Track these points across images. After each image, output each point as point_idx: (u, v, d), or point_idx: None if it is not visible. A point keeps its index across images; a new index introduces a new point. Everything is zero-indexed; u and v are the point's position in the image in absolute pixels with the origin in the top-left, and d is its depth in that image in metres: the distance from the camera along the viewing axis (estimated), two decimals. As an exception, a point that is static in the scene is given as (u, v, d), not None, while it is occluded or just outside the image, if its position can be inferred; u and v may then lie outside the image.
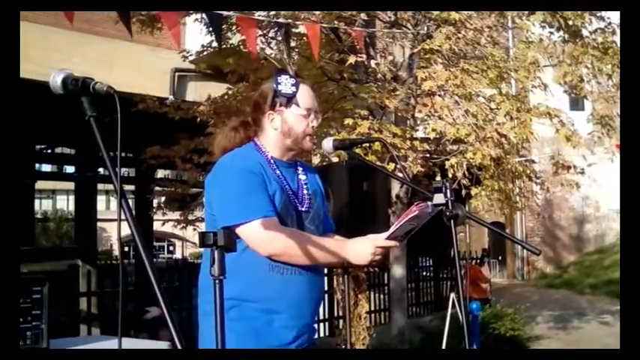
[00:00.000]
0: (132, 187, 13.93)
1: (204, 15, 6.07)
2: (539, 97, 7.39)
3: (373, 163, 4.82)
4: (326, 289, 7.17)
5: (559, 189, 9.16)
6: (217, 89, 8.50)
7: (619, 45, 6.99)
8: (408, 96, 6.83)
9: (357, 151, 4.99)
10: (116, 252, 28.41)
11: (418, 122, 7.32)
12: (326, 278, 7.26)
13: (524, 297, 13.76)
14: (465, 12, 6.41)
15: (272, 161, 2.49)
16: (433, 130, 6.49)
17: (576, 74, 7.02)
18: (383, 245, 2.41)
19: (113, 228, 30.42)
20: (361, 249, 2.42)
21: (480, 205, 6.84)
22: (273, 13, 5.97)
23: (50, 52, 8.07)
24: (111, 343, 3.30)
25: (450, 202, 2.15)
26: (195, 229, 8.93)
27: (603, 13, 7.42)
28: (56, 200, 40.78)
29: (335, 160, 5.73)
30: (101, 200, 27.28)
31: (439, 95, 6.86)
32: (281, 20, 5.75)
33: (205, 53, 8.49)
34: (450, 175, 6.39)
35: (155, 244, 32.50)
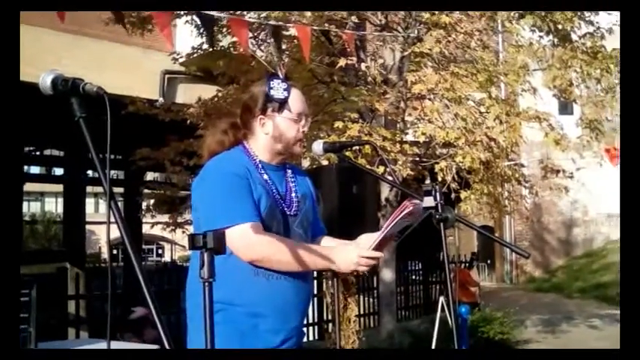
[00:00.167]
0: (121, 190, 13.86)
1: (194, 17, 6.05)
2: (529, 100, 7.44)
3: (363, 166, 4.82)
4: (315, 292, 7.17)
5: (548, 193, 9.16)
6: (207, 91, 8.47)
7: (608, 49, 7.04)
8: (398, 99, 6.84)
9: (347, 154, 4.99)
10: (105, 255, 28.27)
11: (408, 125, 7.33)
12: (315, 281, 7.24)
13: (513, 301, 13.77)
14: (456, 15, 6.43)
15: (260, 165, 2.48)
16: (423, 133, 6.50)
17: (565, 78, 7.07)
18: (368, 256, 2.36)
19: (102, 231, 30.28)
20: (346, 257, 2.37)
21: (470, 208, 6.85)
22: (263, 15, 5.97)
23: (40, 54, 8.01)
24: (99, 347, 3.28)
25: (439, 205, 2.14)
26: (184, 232, 8.88)
27: (592, 18, 7.45)
28: (45, 202, 40.57)
29: (325, 163, 5.73)
30: (90, 203, 27.19)
31: (429, 99, 6.88)
32: (272, 22, 5.75)
33: (195, 55, 8.48)
34: (440, 179, 6.42)
35: (144, 246, 32.40)
